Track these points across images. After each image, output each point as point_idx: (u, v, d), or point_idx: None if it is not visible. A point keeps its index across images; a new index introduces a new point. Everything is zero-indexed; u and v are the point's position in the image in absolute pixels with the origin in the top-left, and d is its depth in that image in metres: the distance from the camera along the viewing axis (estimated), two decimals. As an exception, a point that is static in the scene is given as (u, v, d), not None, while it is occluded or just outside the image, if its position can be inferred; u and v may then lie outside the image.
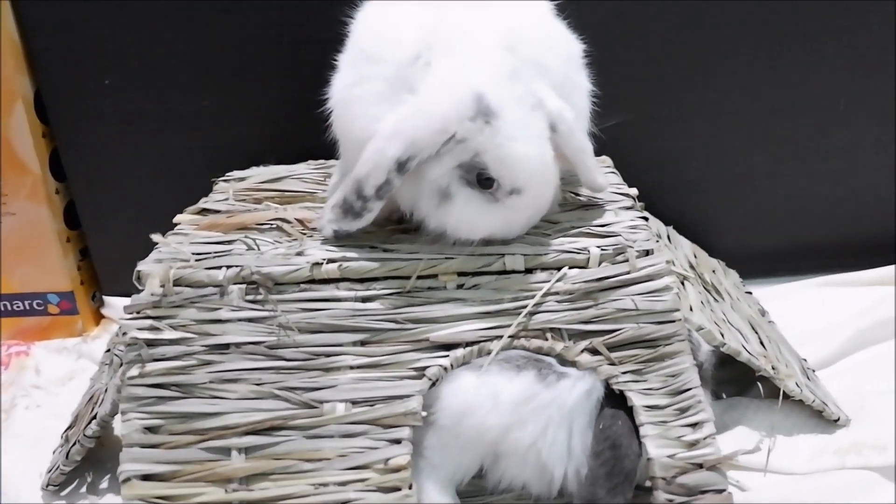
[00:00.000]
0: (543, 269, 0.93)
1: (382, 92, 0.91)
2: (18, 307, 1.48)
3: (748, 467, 1.01)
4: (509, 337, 0.90)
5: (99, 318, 1.55)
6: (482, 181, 0.89)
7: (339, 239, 0.95)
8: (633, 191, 1.11)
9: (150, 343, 0.89)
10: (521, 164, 0.88)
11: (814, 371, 1.22)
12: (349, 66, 0.96)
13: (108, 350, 1.26)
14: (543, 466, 0.91)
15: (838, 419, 1.07)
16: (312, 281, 0.92)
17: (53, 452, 1.10)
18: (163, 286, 0.90)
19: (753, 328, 1.18)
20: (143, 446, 0.87)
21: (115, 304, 1.50)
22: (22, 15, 1.34)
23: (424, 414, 0.88)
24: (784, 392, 1.04)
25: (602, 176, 1.03)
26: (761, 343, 1.13)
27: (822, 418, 1.08)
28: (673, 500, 0.86)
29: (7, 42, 1.34)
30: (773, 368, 1.05)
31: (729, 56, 1.40)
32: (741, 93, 1.43)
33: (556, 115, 0.93)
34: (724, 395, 1.18)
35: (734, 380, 1.20)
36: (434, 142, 0.86)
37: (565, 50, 0.99)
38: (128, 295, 0.92)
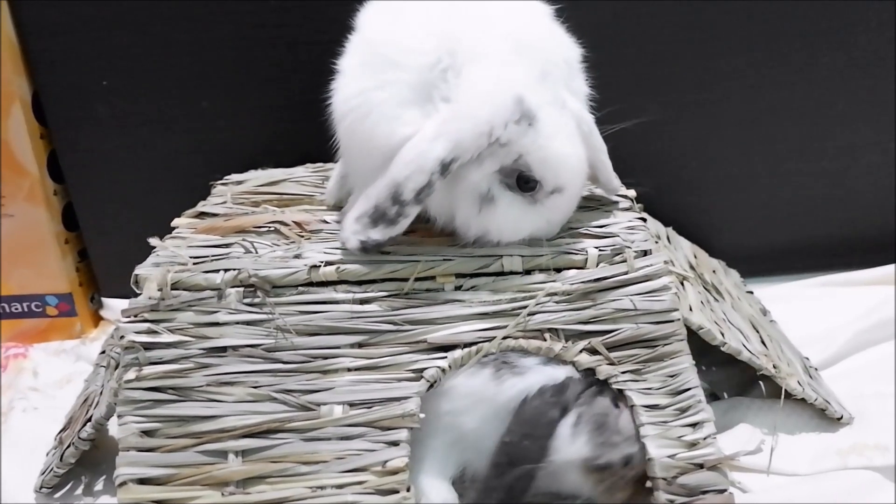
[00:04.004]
0: (541, 270, 0.93)
1: (405, 97, 0.90)
2: (17, 309, 1.48)
3: (750, 468, 1.01)
4: (504, 338, 0.90)
5: (98, 319, 1.55)
6: (522, 184, 0.90)
7: (368, 251, 0.92)
8: (632, 192, 1.11)
9: (148, 346, 0.89)
10: (565, 164, 0.90)
11: (816, 370, 1.21)
12: (364, 70, 0.94)
13: (104, 351, 1.26)
14: (480, 455, 0.91)
15: (841, 417, 1.07)
16: (310, 284, 0.91)
17: (47, 454, 1.10)
18: (160, 290, 0.90)
19: (755, 327, 1.18)
20: (140, 450, 0.86)
21: (114, 306, 1.49)
22: (20, 17, 1.34)
23: (423, 415, 0.88)
24: (786, 391, 1.03)
25: (616, 177, 1.05)
26: (762, 342, 1.13)
27: (825, 417, 1.07)
28: (674, 501, 0.86)
29: (5, 44, 1.34)
30: (774, 367, 1.04)
31: (728, 56, 1.40)
32: (741, 93, 1.43)
33: (577, 116, 0.95)
34: (726, 395, 1.18)
35: (735, 380, 1.19)
36: (478, 144, 0.87)
37: (565, 55, 0.99)
38: (127, 297, 0.92)
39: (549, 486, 0.90)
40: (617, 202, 1.09)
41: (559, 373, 0.91)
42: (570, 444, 0.88)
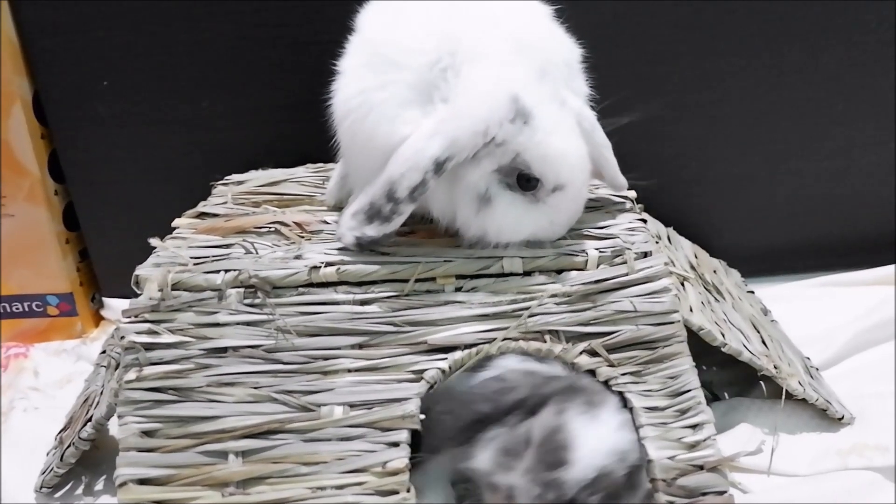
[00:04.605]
0: (542, 271, 0.93)
1: (406, 97, 0.90)
2: (17, 309, 1.48)
3: (750, 469, 1.01)
4: (504, 339, 0.90)
5: (98, 319, 1.55)
6: (523, 182, 0.90)
7: (363, 247, 0.93)
8: (632, 193, 1.11)
9: (148, 347, 0.89)
10: (564, 159, 0.90)
11: (817, 370, 1.21)
12: (365, 70, 0.94)
13: (104, 351, 1.26)
14: None
15: (842, 417, 1.07)
16: (310, 284, 0.91)
17: (47, 454, 1.10)
18: (161, 290, 0.90)
19: (755, 327, 1.18)
20: (140, 450, 0.86)
21: (115, 306, 1.49)
22: (21, 16, 1.34)
23: (423, 417, 0.88)
24: (787, 391, 1.03)
25: (621, 175, 1.05)
26: (763, 342, 1.13)
27: (826, 417, 1.07)
28: (674, 503, 0.86)
29: (6, 44, 1.34)
30: (775, 368, 1.04)
31: (728, 56, 1.40)
32: (741, 93, 1.43)
33: (578, 113, 0.95)
34: (727, 396, 1.18)
35: (736, 380, 1.19)
36: (474, 143, 0.87)
37: (565, 56, 0.99)
38: (128, 296, 0.92)
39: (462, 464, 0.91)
40: (617, 203, 1.09)
41: (533, 367, 0.91)
42: (481, 453, 0.88)
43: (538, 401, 0.89)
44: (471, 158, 0.88)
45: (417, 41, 0.91)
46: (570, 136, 0.91)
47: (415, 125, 0.89)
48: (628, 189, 1.11)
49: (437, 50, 0.90)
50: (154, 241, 0.99)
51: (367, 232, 0.91)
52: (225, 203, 1.17)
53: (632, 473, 0.87)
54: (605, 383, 0.90)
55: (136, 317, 0.90)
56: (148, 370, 0.88)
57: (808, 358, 1.23)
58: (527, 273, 0.93)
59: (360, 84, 0.93)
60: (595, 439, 0.86)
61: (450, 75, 0.90)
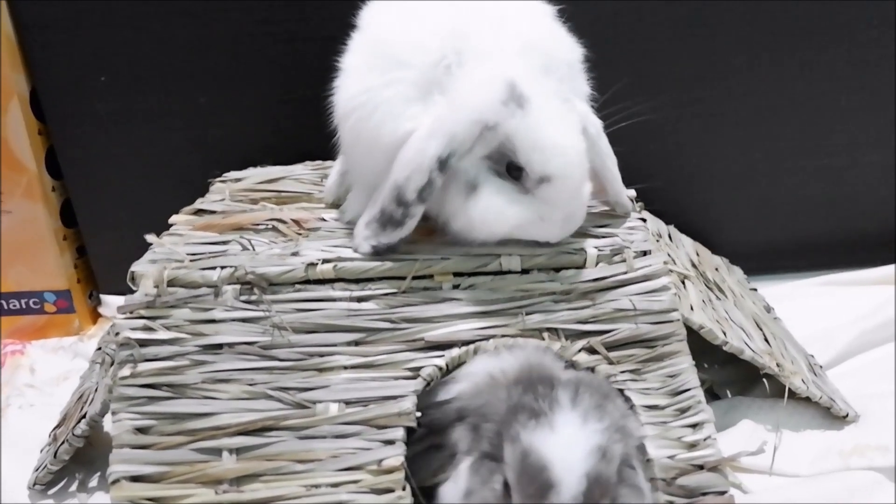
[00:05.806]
0: (540, 269, 0.92)
1: (410, 95, 0.90)
2: (15, 306, 1.48)
3: (751, 469, 1.00)
4: (502, 337, 0.89)
5: (96, 316, 1.55)
6: (513, 171, 0.89)
7: (380, 254, 0.92)
8: (632, 192, 1.10)
9: (143, 343, 0.88)
10: (552, 150, 0.87)
11: (821, 367, 1.21)
12: (369, 68, 0.93)
13: (100, 348, 1.26)
14: None
15: (847, 415, 1.06)
16: (307, 281, 0.91)
17: (41, 451, 1.10)
18: (157, 287, 0.89)
19: (758, 325, 1.17)
20: (134, 447, 0.86)
21: (112, 303, 1.50)
22: (18, 13, 1.34)
23: (419, 414, 0.87)
24: (790, 389, 1.03)
25: (625, 195, 1.03)
26: (766, 340, 1.13)
27: (829, 416, 1.07)
28: (674, 502, 0.86)
29: (4, 40, 1.33)
30: (777, 366, 1.04)
31: (729, 54, 1.40)
32: (742, 90, 1.42)
33: (584, 118, 0.94)
34: (729, 394, 1.17)
35: (738, 379, 1.19)
36: (472, 134, 0.86)
37: (566, 56, 0.98)
38: (125, 293, 0.92)
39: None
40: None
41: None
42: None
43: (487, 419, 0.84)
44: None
45: (422, 40, 0.91)
46: (566, 130, 0.89)
47: (418, 122, 0.89)
48: (634, 191, 1.10)
49: (443, 48, 0.90)
50: (151, 238, 0.99)
51: (382, 239, 0.91)
52: (222, 200, 1.16)
53: (619, 467, 0.79)
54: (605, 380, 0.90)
55: (131, 313, 0.90)
56: (142, 366, 0.88)
57: (812, 355, 1.22)
58: (525, 271, 0.92)
59: (364, 82, 0.92)
60: (565, 448, 0.76)
61: (454, 71, 0.89)
